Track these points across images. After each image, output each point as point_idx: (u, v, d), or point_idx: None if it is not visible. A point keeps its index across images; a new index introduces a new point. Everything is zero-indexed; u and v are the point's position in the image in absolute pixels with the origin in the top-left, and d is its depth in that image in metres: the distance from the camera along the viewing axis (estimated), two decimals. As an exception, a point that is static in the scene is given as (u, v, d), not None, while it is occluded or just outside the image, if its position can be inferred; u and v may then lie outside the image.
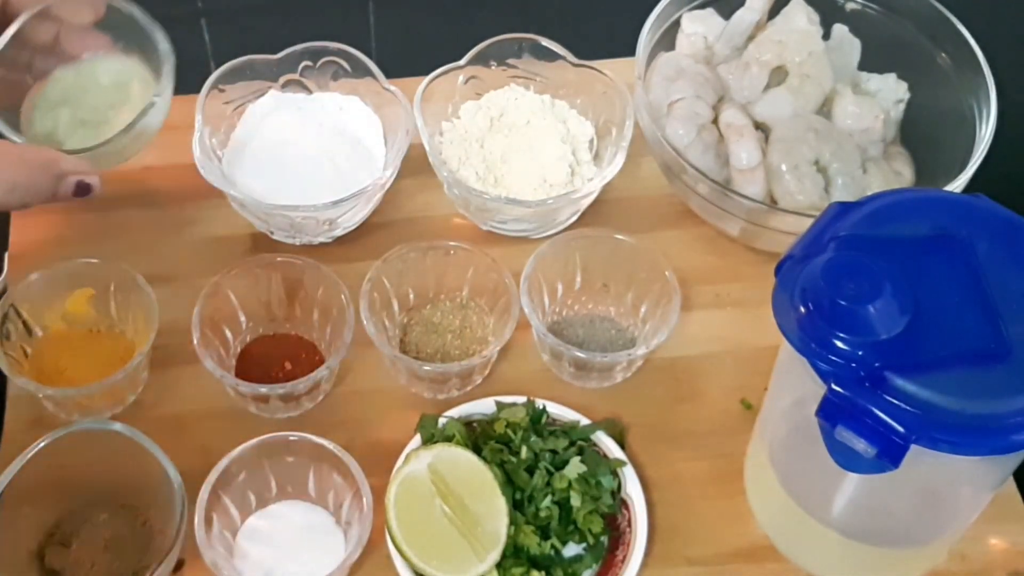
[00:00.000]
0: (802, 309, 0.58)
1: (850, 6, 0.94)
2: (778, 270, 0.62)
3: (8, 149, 0.66)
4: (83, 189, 0.65)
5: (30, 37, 0.72)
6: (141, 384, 0.81)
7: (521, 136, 0.91)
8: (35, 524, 0.72)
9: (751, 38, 0.92)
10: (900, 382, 0.56)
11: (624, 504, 0.76)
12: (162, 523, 0.71)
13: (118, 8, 0.77)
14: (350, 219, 0.87)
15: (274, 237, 0.89)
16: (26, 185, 0.63)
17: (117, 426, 0.71)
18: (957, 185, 0.82)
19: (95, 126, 0.78)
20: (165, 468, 0.70)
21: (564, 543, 0.74)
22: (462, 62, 0.91)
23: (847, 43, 0.93)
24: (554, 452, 0.76)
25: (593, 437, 0.77)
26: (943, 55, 0.91)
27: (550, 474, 0.75)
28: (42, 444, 0.69)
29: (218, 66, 0.89)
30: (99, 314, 0.81)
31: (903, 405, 0.56)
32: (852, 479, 0.66)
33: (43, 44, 0.71)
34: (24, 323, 0.78)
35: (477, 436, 0.76)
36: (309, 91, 0.92)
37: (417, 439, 0.76)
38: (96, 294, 0.80)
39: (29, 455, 0.68)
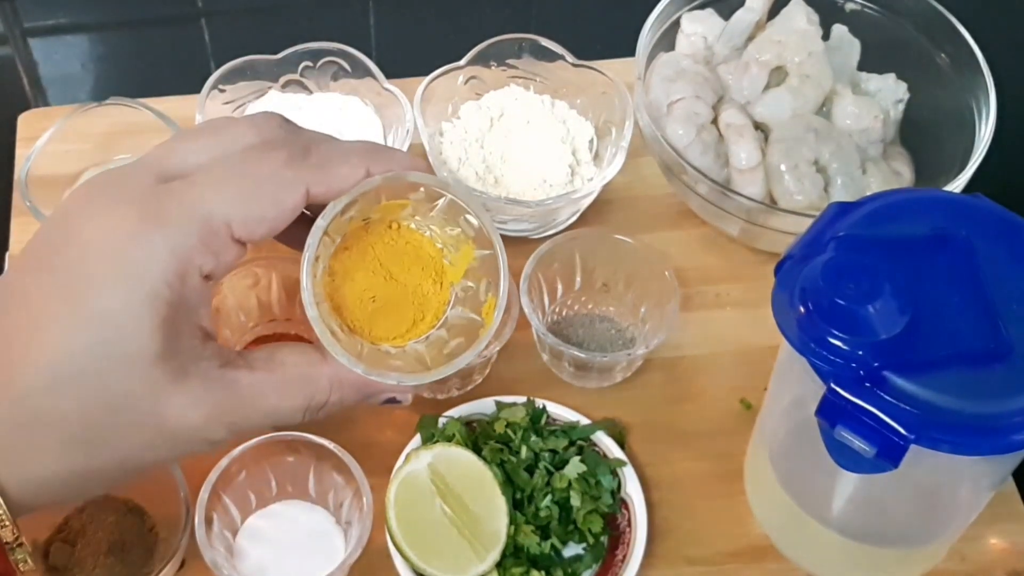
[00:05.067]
0: (801, 309, 0.58)
1: (850, 6, 0.94)
2: (778, 270, 0.62)
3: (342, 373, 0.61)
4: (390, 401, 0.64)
5: None
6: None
7: (521, 136, 0.91)
8: (44, 518, 0.72)
9: (751, 38, 0.92)
10: (899, 382, 0.56)
11: (624, 504, 0.76)
12: (168, 532, 0.71)
13: None
14: (350, 219, 0.87)
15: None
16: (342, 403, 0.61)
17: None
18: (956, 185, 0.82)
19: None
20: (175, 476, 0.69)
21: (564, 543, 0.74)
22: (462, 62, 0.91)
23: (847, 43, 0.93)
24: (554, 452, 0.76)
25: (593, 437, 0.77)
26: (942, 55, 0.91)
27: (550, 474, 0.75)
28: None
29: (218, 66, 0.89)
30: None
31: (902, 405, 0.56)
32: (851, 479, 0.66)
33: None
34: None
35: (477, 436, 0.76)
36: (309, 91, 0.92)
37: (417, 439, 0.76)
38: None
39: None
